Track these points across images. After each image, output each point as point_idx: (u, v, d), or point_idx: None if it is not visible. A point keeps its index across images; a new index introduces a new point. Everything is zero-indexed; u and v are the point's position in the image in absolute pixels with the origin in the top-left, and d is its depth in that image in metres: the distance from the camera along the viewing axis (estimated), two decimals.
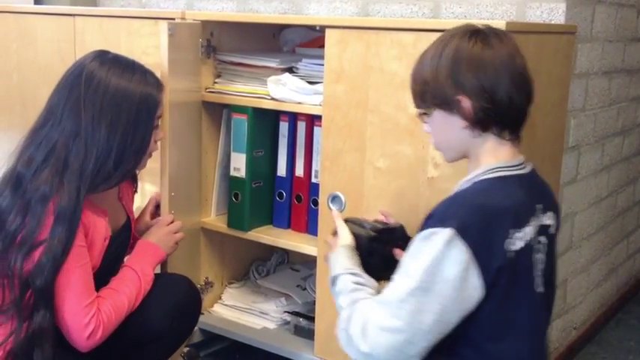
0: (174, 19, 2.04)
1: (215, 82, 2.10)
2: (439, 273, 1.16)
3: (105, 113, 1.55)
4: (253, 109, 2.01)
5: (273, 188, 2.12)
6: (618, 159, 2.58)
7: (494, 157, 1.30)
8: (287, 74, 1.95)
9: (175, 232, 1.84)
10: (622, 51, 2.42)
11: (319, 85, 1.88)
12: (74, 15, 2.38)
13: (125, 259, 1.76)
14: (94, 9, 2.79)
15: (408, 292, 1.18)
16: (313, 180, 2.03)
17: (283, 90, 1.93)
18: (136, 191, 1.88)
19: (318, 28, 1.86)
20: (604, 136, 2.40)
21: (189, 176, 2.03)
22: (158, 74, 1.73)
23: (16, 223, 1.48)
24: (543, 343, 1.35)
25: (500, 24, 1.57)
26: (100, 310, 1.55)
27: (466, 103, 1.26)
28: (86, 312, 1.52)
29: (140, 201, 2.00)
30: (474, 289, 1.18)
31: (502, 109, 1.26)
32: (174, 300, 1.72)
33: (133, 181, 1.85)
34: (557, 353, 2.29)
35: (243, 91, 2.04)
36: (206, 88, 2.08)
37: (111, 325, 1.57)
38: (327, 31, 1.81)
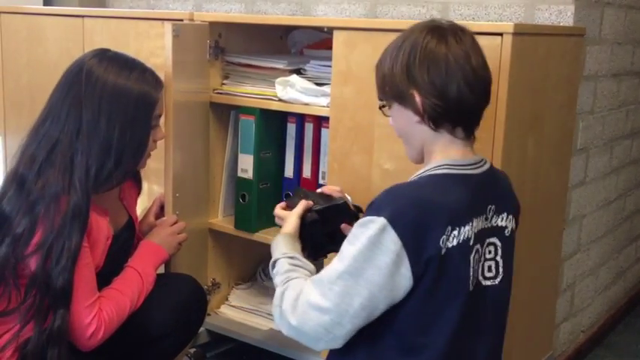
0: (182, 20, 2.05)
1: (223, 84, 2.10)
2: (370, 260, 1.20)
3: (104, 110, 1.55)
4: (261, 110, 2.01)
5: (281, 189, 2.11)
6: (627, 162, 2.57)
7: (444, 155, 1.31)
8: (295, 76, 1.95)
9: (179, 233, 1.84)
10: (631, 53, 2.41)
11: (327, 86, 1.88)
12: (83, 16, 2.39)
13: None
14: (103, 10, 2.80)
15: (339, 275, 1.22)
16: (320, 181, 2.03)
17: (291, 91, 1.93)
18: (140, 192, 1.88)
19: (325, 29, 1.86)
20: (612, 138, 2.39)
21: (195, 177, 2.04)
22: (163, 75, 1.73)
23: (23, 226, 1.48)
24: (482, 344, 1.32)
25: (508, 26, 1.57)
26: (102, 310, 1.55)
27: (418, 98, 1.28)
28: (88, 312, 1.53)
29: (147, 202, 2.00)
30: (404, 279, 1.21)
31: (452, 107, 1.27)
32: (180, 299, 1.72)
33: (137, 181, 1.85)
34: (565, 356, 2.28)
35: (251, 92, 2.04)
36: (214, 90, 2.08)
37: (112, 326, 1.57)
38: (335, 33, 1.81)
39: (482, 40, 1.57)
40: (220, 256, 2.24)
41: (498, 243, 1.33)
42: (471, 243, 1.26)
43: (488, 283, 1.32)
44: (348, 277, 1.22)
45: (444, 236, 1.22)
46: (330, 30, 1.84)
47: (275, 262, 1.42)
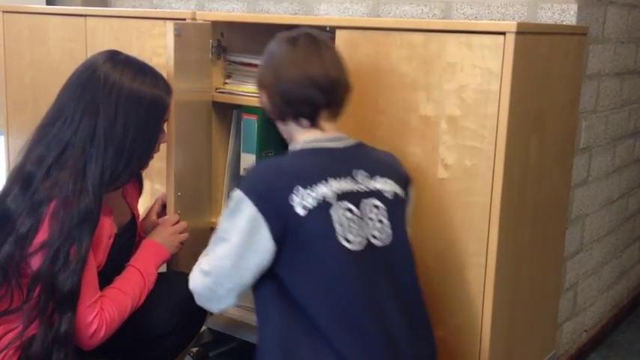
0: (184, 19, 2.05)
1: (225, 83, 2.10)
2: (234, 226, 1.40)
3: (120, 116, 1.55)
4: (263, 109, 2.01)
5: None
6: (630, 161, 2.57)
7: (302, 136, 1.52)
8: None
9: (181, 233, 1.85)
10: (634, 52, 2.41)
11: None
12: (85, 15, 2.39)
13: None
14: (105, 9, 2.80)
15: (213, 241, 1.46)
16: None
17: None
18: (141, 190, 1.88)
19: (328, 28, 1.86)
20: (615, 137, 2.39)
21: (197, 176, 2.03)
22: (165, 74, 1.73)
23: (27, 225, 1.47)
24: (369, 297, 1.40)
25: (511, 25, 1.57)
26: (103, 310, 1.55)
27: (264, 97, 1.55)
28: (90, 311, 1.53)
29: (149, 201, 2.00)
30: (265, 240, 1.38)
31: (284, 102, 1.50)
32: (181, 298, 1.72)
33: (139, 180, 1.86)
34: (568, 355, 2.28)
35: (254, 91, 2.03)
36: (216, 89, 2.08)
37: (114, 324, 1.57)
38: (338, 32, 1.81)
39: (485, 40, 1.59)
40: None
41: (380, 204, 1.45)
42: (329, 200, 1.40)
43: (380, 243, 1.43)
44: (220, 242, 1.43)
45: (293, 195, 1.37)
46: (333, 29, 1.84)
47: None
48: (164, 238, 1.80)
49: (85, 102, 1.55)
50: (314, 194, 1.39)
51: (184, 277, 1.82)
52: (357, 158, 1.50)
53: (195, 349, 2.19)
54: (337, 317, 1.37)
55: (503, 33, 1.57)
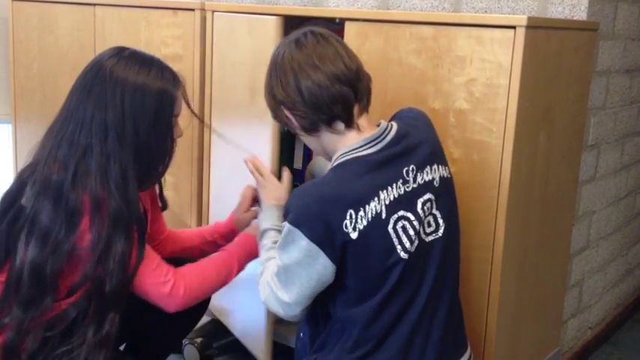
0: (193, 9, 2.05)
1: None
2: (290, 257, 1.37)
3: (127, 112, 1.52)
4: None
5: (292, 181, 2.11)
6: (638, 158, 2.56)
7: (341, 144, 1.42)
8: None
9: None
10: None
11: None
12: (94, 4, 2.39)
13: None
14: None
15: (277, 272, 1.42)
16: None
17: None
18: (155, 195, 1.83)
19: (337, 20, 1.85)
20: (624, 135, 2.38)
21: None
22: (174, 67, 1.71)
23: (63, 234, 1.46)
24: (424, 292, 1.40)
25: (521, 19, 1.56)
26: (176, 271, 1.57)
27: (287, 113, 1.42)
28: (159, 273, 1.54)
29: None
30: (324, 267, 1.36)
31: (313, 109, 1.38)
32: None
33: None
34: (572, 352, 2.28)
35: None
36: None
37: (194, 285, 1.58)
38: (347, 24, 1.80)
39: (495, 33, 1.58)
40: None
41: (432, 197, 1.41)
42: (384, 216, 1.35)
43: (431, 237, 1.40)
44: (283, 272, 1.40)
45: (347, 221, 1.33)
46: (342, 21, 1.83)
47: (264, 231, 1.56)
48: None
49: (93, 102, 1.52)
50: (367, 215, 1.34)
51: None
52: (402, 155, 1.41)
53: (199, 340, 2.19)
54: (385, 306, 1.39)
55: (514, 27, 1.56)
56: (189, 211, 2.25)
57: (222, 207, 1.98)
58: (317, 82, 1.37)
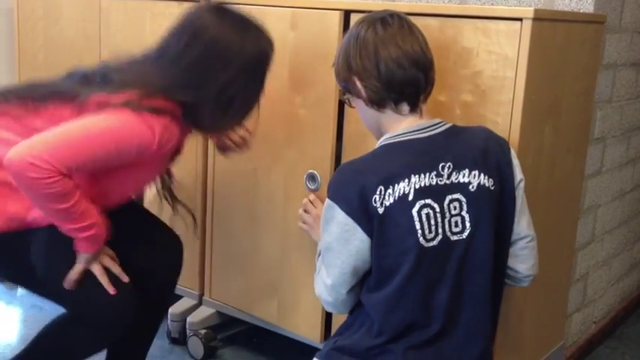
0: (198, 0, 2.04)
1: None
2: (330, 233, 1.41)
3: (220, 71, 1.60)
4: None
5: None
6: None
7: (393, 129, 1.45)
8: None
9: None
10: None
11: None
12: None
13: None
14: None
15: (323, 251, 1.46)
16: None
17: None
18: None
19: (343, 12, 1.84)
20: (630, 128, 2.37)
21: None
22: None
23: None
24: (442, 291, 1.39)
25: (528, 11, 1.55)
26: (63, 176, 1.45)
27: (358, 83, 1.44)
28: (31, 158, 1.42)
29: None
30: (361, 241, 1.38)
31: (386, 84, 1.42)
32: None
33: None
34: (576, 347, 2.27)
35: None
36: None
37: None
38: (353, 16, 1.80)
39: (501, 25, 1.57)
40: None
41: (463, 199, 1.40)
42: (411, 198, 1.37)
43: (456, 237, 1.39)
44: (326, 252, 1.44)
45: (376, 196, 1.36)
46: (348, 13, 1.82)
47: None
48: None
49: (192, 58, 1.60)
50: (396, 193, 1.36)
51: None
52: (444, 149, 1.42)
53: (204, 332, 2.20)
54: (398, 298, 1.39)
55: (520, 19, 1.55)
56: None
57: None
58: (396, 60, 1.41)
